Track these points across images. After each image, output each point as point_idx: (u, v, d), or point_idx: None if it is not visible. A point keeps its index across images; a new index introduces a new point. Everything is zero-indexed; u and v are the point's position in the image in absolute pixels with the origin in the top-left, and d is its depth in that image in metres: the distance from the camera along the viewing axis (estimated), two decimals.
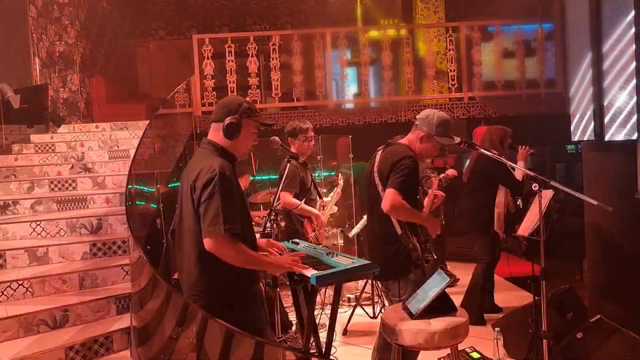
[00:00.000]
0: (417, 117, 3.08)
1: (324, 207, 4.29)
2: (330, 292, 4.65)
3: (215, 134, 2.47)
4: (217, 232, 2.23)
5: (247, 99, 6.91)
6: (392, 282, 3.09)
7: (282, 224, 4.21)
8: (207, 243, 2.25)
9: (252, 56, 7.16)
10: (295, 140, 4.07)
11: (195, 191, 2.32)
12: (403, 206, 2.86)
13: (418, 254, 2.95)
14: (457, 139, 3.10)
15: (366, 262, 2.56)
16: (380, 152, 3.16)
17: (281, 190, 3.56)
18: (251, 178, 6.66)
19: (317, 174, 6.42)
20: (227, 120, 2.41)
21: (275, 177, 6.46)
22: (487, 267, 4.60)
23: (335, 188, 4.56)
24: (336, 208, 4.68)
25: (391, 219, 2.96)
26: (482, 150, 3.35)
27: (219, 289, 2.36)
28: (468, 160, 4.97)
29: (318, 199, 4.16)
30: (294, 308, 3.40)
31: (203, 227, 2.27)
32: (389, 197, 2.85)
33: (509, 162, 4.01)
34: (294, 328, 4.15)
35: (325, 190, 5.19)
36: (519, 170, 4.25)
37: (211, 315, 2.30)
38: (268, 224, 3.16)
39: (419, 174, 3.10)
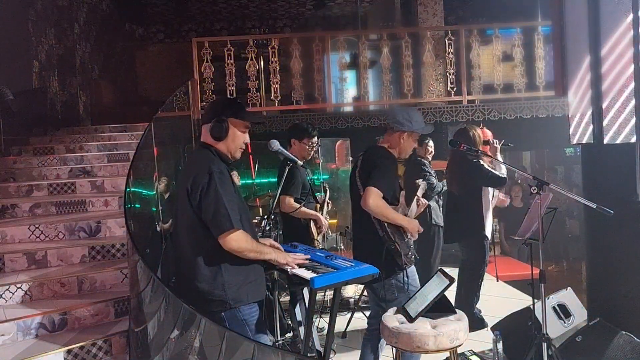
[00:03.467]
0: (389, 120, 3.17)
1: (321, 208, 4.29)
2: (329, 295, 4.65)
3: (207, 135, 2.49)
4: (230, 228, 2.26)
5: (247, 102, 6.97)
6: (376, 285, 3.08)
7: (280, 228, 4.22)
8: (222, 242, 2.28)
9: (252, 59, 7.17)
10: (300, 142, 4.06)
11: (192, 194, 2.33)
12: (382, 204, 2.90)
13: (400, 256, 2.95)
14: (431, 127, 3.19)
15: (366, 265, 2.55)
16: (360, 157, 3.22)
17: (281, 194, 3.56)
18: (250, 181, 6.66)
19: (315, 177, 6.43)
20: (213, 122, 2.42)
21: (274, 179, 6.45)
22: (477, 276, 4.55)
23: (324, 196, 4.54)
24: (327, 217, 4.63)
25: (373, 221, 2.99)
26: (481, 153, 3.37)
27: (221, 289, 2.36)
28: (447, 170, 4.86)
29: (315, 202, 4.16)
30: (290, 311, 3.40)
31: (213, 228, 2.29)
32: (368, 194, 2.88)
33: (489, 156, 4.01)
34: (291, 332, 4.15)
35: (320, 194, 5.18)
36: (502, 165, 4.22)
37: (212, 316, 2.32)
38: (267, 227, 3.16)
39: (398, 175, 3.18)
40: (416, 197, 3.14)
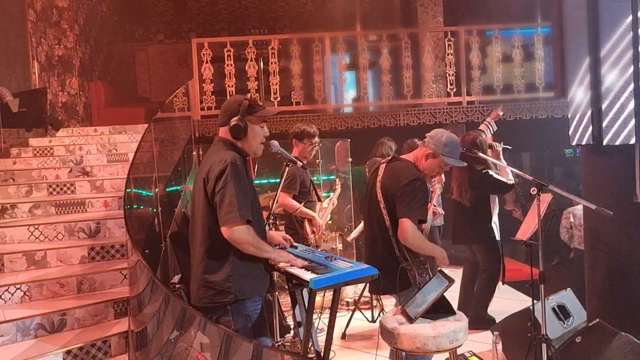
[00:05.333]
0: (427, 134, 3.06)
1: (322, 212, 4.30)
2: (329, 296, 4.65)
3: (227, 134, 2.53)
4: (234, 219, 2.30)
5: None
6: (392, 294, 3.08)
7: (282, 228, 4.23)
8: (225, 230, 2.32)
9: (251, 60, 7.18)
10: (300, 143, 4.10)
11: (208, 183, 2.39)
12: (419, 236, 2.85)
13: (414, 275, 2.92)
14: (464, 163, 3.11)
15: (365, 266, 2.56)
16: (384, 165, 3.10)
17: (280, 192, 3.57)
18: (250, 182, 6.64)
19: (315, 178, 6.42)
20: (232, 123, 2.46)
21: (273, 180, 6.45)
22: (494, 278, 4.52)
23: (332, 195, 4.54)
24: (329, 216, 4.63)
25: (391, 239, 2.92)
26: (483, 156, 3.37)
27: (227, 279, 2.40)
28: (452, 178, 4.67)
29: (317, 201, 4.18)
30: (292, 312, 3.39)
31: (220, 216, 2.34)
32: (405, 228, 2.80)
33: (496, 162, 4.01)
34: (292, 332, 4.14)
35: (325, 194, 5.17)
36: (506, 168, 4.21)
37: (212, 314, 2.36)
38: (267, 228, 3.16)
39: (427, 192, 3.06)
40: (432, 206, 3.12)
